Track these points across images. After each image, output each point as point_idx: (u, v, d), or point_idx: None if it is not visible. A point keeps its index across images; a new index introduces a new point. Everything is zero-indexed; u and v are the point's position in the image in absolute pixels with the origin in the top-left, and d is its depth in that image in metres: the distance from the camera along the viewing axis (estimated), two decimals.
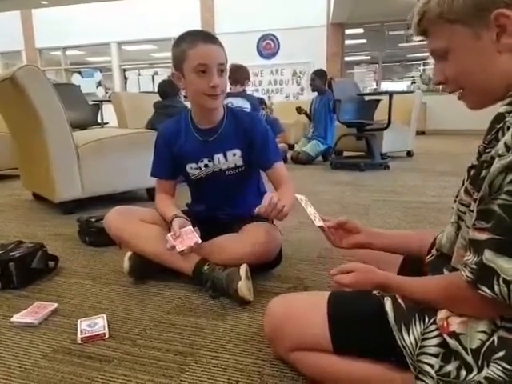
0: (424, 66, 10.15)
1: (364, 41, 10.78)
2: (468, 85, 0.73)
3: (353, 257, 1.27)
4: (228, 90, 3.91)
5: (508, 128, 0.62)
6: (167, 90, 3.67)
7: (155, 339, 1.08)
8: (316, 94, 5.13)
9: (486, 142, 0.70)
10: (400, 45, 10.12)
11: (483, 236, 0.63)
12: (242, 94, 3.97)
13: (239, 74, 3.94)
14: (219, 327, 1.13)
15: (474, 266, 0.63)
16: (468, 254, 0.66)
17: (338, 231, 1.10)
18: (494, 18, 0.64)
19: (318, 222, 1.09)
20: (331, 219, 1.13)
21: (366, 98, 4.70)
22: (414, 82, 10.23)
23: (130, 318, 1.20)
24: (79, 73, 11.75)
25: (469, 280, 0.64)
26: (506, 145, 0.60)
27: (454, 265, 0.76)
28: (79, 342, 1.06)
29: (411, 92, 6.11)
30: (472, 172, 0.74)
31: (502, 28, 0.65)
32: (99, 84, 11.62)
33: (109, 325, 1.13)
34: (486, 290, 0.61)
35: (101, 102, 6.53)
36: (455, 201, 0.81)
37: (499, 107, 0.69)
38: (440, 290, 0.73)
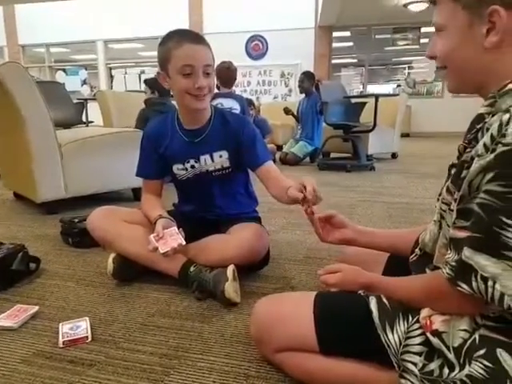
0: (409, 69, 10.29)
1: (351, 44, 10.88)
2: (450, 65, 0.75)
3: (339, 257, 1.28)
4: (216, 91, 3.90)
5: (487, 129, 0.64)
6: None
7: (139, 342, 1.06)
8: (303, 95, 5.16)
9: (465, 142, 0.72)
10: (386, 48, 10.25)
11: (463, 234, 0.65)
12: (232, 95, 3.96)
13: (228, 75, 3.92)
14: (205, 329, 1.11)
15: (453, 264, 0.65)
16: (449, 252, 0.68)
17: (326, 226, 1.11)
18: (489, 13, 0.65)
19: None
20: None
21: (353, 100, 4.75)
22: (399, 86, 10.36)
23: (113, 320, 1.17)
24: (64, 70, 11.57)
25: (448, 277, 0.66)
26: (485, 145, 0.62)
27: (435, 263, 0.77)
28: (61, 345, 1.04)
29: (396, 95, 6.20)
30: (452, 171, 0.76)
31: (492, 24, 0.66)
32: (84, 82, 11.45)
33: (92, 328, 1.11)
34: (464, 286, 0.63)
35: (86, 100, 6.45)
36: (438, 199, 0.82)
37: (480, 107, 0.71)
38: (423, 288, 0.74)
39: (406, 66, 10.36)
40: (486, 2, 0.66)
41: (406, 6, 8.26)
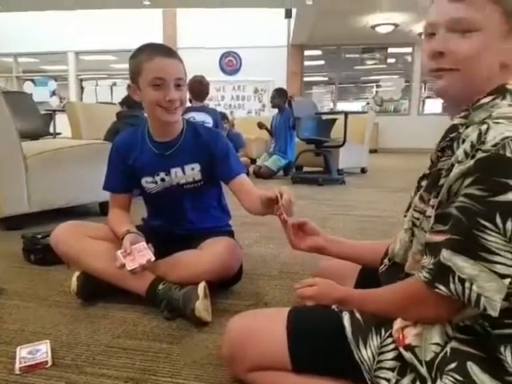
0: (377, 88, 10.67)
1: (322, 62, 11.20)
2: (467, 70, 0.69)
3: (313, 272, 1.28)
4: (189, 104, 3.89)
5: (463, 140, 0.66)
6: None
7: (104, 365, 1.00)
8: (276, 111, 5.27)
9: (438, 150, 0.73)
10: (355, 67, 10.62)
11: (439, 238, 0.66)
12: (205, 109, 3.96)
13: (200, 88, 3.93)
14: (174, 351, 1.07)
15: (430, 267, 0.66)
16: (425, 257, 0.69)
17: (298, 233, 1.11)
18: None
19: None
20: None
21: (324, 116, 4.88)
22: (368, 103, 10.70)
23: (76, 343, 1.11)
24: (32, 81, 11.29)
25: (426, 280, 0.66)
26: (465, 152, 0.64)
27: (407, 271, 0.78)
28: (17, 372, 0.96)
29: (365, 112, 6.40)
30: (424, 181, 0.78)
31: None
32: (53, 93, 11.22)
33: (52, 351, 1.04)
34: (442, 287, 0.63)
35: (54, 111, 6.31)
36: (407, 210, 0.84)
37: (454, 119, 0.72)
38: (397, 295, 0.74)
39: (374, 84, 10.73)
40: None
41: (373, 27, 8.65)
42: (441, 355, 0.65)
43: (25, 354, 1.01)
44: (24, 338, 1.13)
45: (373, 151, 8.22)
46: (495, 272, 0.59)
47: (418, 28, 8.58)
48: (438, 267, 0.64)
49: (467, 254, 0.61)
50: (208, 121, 3.85)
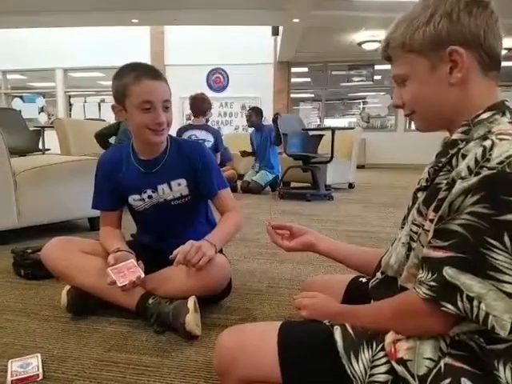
0: (364, 104, 10.82)
1: (308, 79, 11.36)
2: (420, 110, 0.78)
3: (301, 286, 1.30)
4: (190, 122, 3.93)
5: (463, 155, 0.67)
6: None
7: (94, 379, 1.01)
8: (253, 129, 5.36)
9: (438, 165, 0.74)
10: (342, 84, 10.75)
11: (438, 254, 0.65)
12: (206, 127, 4.00)
13: (202, 106, 3.96)
14: (164, 364, 1.08)
15: (432, 283, 0.65)
16: (421, 272, 0.68)
17: (286, 236, 1.13)
18: (449, 53, 0.70)
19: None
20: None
21: (310, 132, 4.93)
22: (359, 119, 10.82)
23: (67, 356, 1.12)
24: (20, 97, 11.24)
25: (427, 297, 0.65)
26: (468, 168, 0.63)
27: (402, 284, 0.77)
28: None
29: (352, 128, 6.48)
30: (420, 193, 0.78)
31: (454, 63, 0.71)
32: (42, 110, 11.16)
33: (43, 365, 1.05)
34: (449, 306, 0.63)
35: (43, 128, 6.28)
36: (404, 223, 0.83)
37: (452, 134, 0.74)
38: (392, 310, 0.74)
39: (360, 101, 10.89)
40: (442, 45, 0.71)
41: (360, 44, 8.77)
42: (434, 371, 0.65)
43: (16, 368, 1.02)
44: (15, 352, 1.14)
45: (360, 167, 8.29)
46: (504, 291, 0.59)
47: None
48: (443, 285, 0.63)
49: (475, 272, 0.61)
50: (209, 139, 3.89)
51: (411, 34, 0.74)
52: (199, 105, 3.94)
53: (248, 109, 5.51)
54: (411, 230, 0.77)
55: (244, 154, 5.49)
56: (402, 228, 0.83)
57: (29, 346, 1.19)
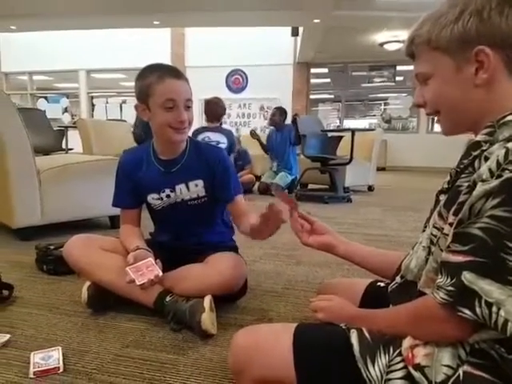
0: (385, 105, 10.68)
1: (328, 80, 11.28)
2: (444, 110, 0.77)
3: (317, 288, 1.29)
4: (205, 124, 3.96)
5: (486, 158, 0.65)
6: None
7: (112, 374, 1.03)
8: (272, 128, 5.32)
9: (460, 167, 0.72)
10: (362, 85, 10.65)
11: (457, 258, 0.63)
12: (220, 129, 4.02)
13: (216, 109, 3.99)
14: (180, 362, 1.10)
15: (450, 288, 0.63)
16: (440, 276, 0.66)
17: (307, 230, 1.11)
18: (475, 54, 0.69)
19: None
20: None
21: (329, 134, 4.89)
22: (376, 121, 10.70)
23: (86, 351, 1.15)
24: (45, 98, 11.54)
25: (445, 302, 0.63)
26: (490, 171, 0.62)
27: (421, 288, 0.76)
28: (31, 376, 1.01)
29: (372, 129, 6.38)
30: (442, 196, 0.76)
31: (480, 63, 0.69)
32: (65, 110, 11.43)
33: (64, 358, 1.08)
34: (467, 311, 0.61)
35: (66, 127, 6.43)
36: (425, 226, 0.82)
37: (477, 136, 0.72)
38: (410, 314, 0.73)
39: (382, 102, 10.75)
40: (470, 44, 0.69)
41: (381, 45, 8.65)
42: (453, 378, 0.63)
43: (38, 360, 1.05)
44: (37, 344, 1.17)
45: (381, 169, 8.19)
46: None
47: None
48: (461, 290, 0.61)
49: (494, 277, 0.59)
50: (223, 141, 3.90)
51: (438, 31, 0.72)
52: (213, 109, 3.95)
53: (273, 108, 5.47)
54: (432, 233, 0.76)
55: (253, 134, 5.32)
56: (424, 231, 0.82)
57: (50, 339, 1.22)
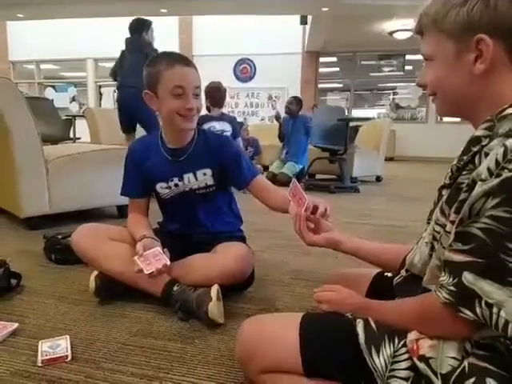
0: (394, 95, 10.56)
1: (337, 69, 11.17)
2: (439, 93, 0.76)
3: (324, 280, 1.29)
4: (207, 113, 3.93)
5: (486, 154, 0.64)
6: None
7: (120, 362, 1.04)
8: (287, 116, 5.34)
9: (460, 163, 0.71)
10: (371, 74, 10.53)
11: (459, 258, 0.63)
12: (224, 117, 3.99)
13: (219, 95, 3.95)
14: (187, 350, 1.10)
15: (452, 288, 0.63)
16: (443, 274, 0.66)
17: (311, 228, 1.08)
18: (476, 42, 0.67)
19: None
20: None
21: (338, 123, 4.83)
22: (385, 111, 10.59)
23: (94, 339, 1.16)
24: (53, 87, 11.56)
25: (447, 302, 0.64)
26: (489, 170, 0.61)
27: (425, 285, 0.76)
28: (39, 364, 1.01)
29: (368, 119, 5.93)
30: (444, 191, 0.76)
31: (480, 52, 0.67)
32: (73, 99, 11.45)
33: (72, 347, 1.09)
34: (467, 312, 0.61)
35: (74, 117, 6.44)
36: (428, 222, 0.82)
37: (476, 130, 0.70)
38: (414, 311, 0.73)
39: (390, 91, 10.63)
40: (472, 31, 0.67)
41: (391, 33, 8.53)
42: (458, 370, 0.64)
43: (46, 348, 1.06)
44: (45, 333, 1.18)
45: (389, 159, 8.12)
46: None
47: None
48: (462, 290, 0.62)
49: (493, 278, 0.59)
50: (227, 129, 3.88)
51: (444, 13, 0.70)
52: (216, 94, 3.89)
53: (290, 96, 5.56)
54: (434, 229, 0.76)
55: (278, 118, 5.44)
56: (428, 223, 0.81)
57: (58, 328, 1.23)
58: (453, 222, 0.68)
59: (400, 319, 0.75)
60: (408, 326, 0.73)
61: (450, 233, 0.68)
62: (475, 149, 0.68)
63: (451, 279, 0.64)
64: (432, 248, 0.76)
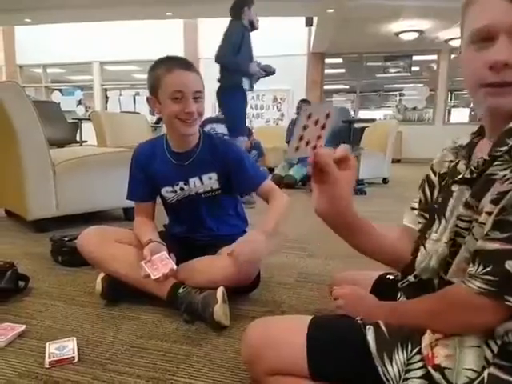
0: (400, 96, 10.51)
1: (343, 70, 11.14)
2: None
3: (329, 281, 1.28)
4: (209, 115, 3.94)
5: None
6: None
7: (126, 364, 1.04)
8: (295, 117, 5.52)
9: (493, 155, 0.67)
10: (377, 75, 10.49)
11: (494, 245, 0.62)
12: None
13: None
14: (193, 353, 1.10)
15: (489, 278, 0.62)
16: (471, 265, 0.65)
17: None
18: None
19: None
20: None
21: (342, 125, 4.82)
22: (392, 112, 10.54)
23: (101, 341, 1.16)
24: (60, 90, 11.66)
25: (482, 291, 0.62)
26: None
27: (449, 278, 0.73)
28: (47, 366, 1.02)
29: (373, 120, 6.01)
30: (457, 186, 0.73)
31: None
32: (79, 102, 11.54)
33: (79, 348, 1.09)
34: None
35: (80, 120, 6.48)
36: (428, 222, 0.80)
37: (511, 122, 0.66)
38: (435, 303, 0.71)
39: (397, 92, 10.58)
40: None
41: (397, 34, 8.49)
42: (477, 381, 0.62)
43: (53, 350, 1.07)
44: (52, 335, 1.19)
45: (396, 161, 8.06)
46: None
47: (444, 35, 8.36)
48: (506, 278, 0.60)
49: None
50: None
51: None
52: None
53: (299, 100, 5.79)
54: (457, 225, 0.72)
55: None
56: (419, 223, 0.80)
57: (65, 329, 1.23)
58: (489, 213, 0.65)
59: (418, 315, 0.72)
60: (426, 321, 0.71)
61: (484, 224, 0.66)
62: (511, 141, 0.65)
63: (482, 268, 0.62)
64: (454, 244, 0.73)
